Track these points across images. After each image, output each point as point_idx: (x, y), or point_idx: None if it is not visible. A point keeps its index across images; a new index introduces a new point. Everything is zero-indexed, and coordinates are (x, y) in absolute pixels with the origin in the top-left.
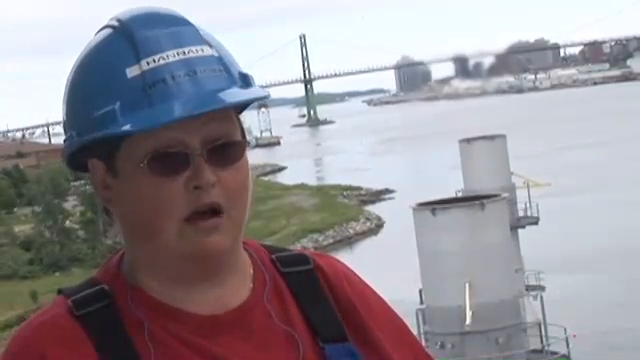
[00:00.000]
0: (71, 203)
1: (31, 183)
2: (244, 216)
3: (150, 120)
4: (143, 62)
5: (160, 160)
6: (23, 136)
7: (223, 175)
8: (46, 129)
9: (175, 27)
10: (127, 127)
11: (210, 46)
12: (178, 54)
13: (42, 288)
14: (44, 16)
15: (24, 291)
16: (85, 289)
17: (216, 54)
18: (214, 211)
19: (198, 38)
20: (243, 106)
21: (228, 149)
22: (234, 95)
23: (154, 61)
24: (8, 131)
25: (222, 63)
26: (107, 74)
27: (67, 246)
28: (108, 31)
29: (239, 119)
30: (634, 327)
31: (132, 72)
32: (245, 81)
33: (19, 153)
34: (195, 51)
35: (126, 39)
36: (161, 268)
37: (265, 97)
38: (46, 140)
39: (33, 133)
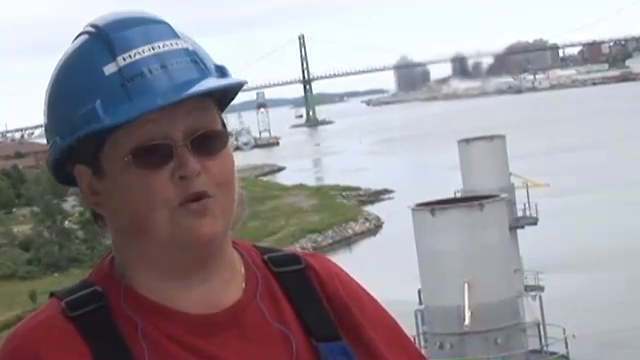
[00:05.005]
0: (70, 203)
1: (30, 183)
2: (232, 204)
3: (130, 112)
4: (119, 58)
5: (144, 154)
6: (22, 136)
7: (209, 164)
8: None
9: (148, 25)
10: (108, 121)
11: (184, 41)
12: (153, 48)
13: (41, 288)
14: (44, 16)
15: (23, 291)
16: (78, 291)
17: (190, 47)
18: (203, 197)
19: (172, 33)
20: (224, 98)
21: (211, 139)
22: (210, 83)
23: (130, 57)
24: (7, 131)
25: (197, 55)
26: (85, 75)
27: (66, 246)
28: (84, 36)
29: (219, 112)
30: (634, 327)
31: (109, 69)
32: (221, 72)
33: (18, 153)
34: (170, 44)
35: (101, 40)
36: (153, 263)
37: (241, 84)
38: (45, 140)
39: (32, 133)
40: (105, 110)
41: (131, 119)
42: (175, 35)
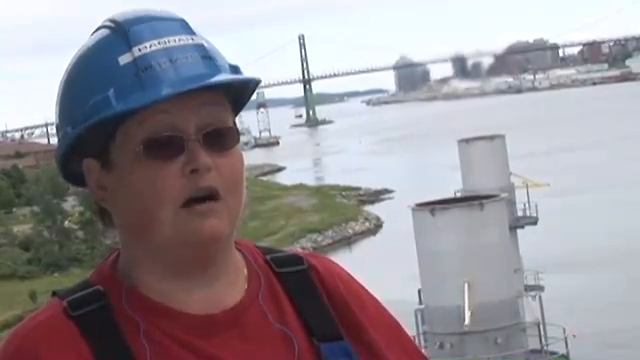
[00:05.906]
0: (70, 203)
1: (30, 183)
2: (240, 206)
3: (141, 100)
4: (135, 49)
5: (155, 145)
6: (22, 136)
7: (219, 161)
8: (45, 129)
9: (164, 21)
10: (119, 108)
11: (199, 38)
12: (169, 41)
13: (41, 288)
14: (44, 16)
15: (23, 291)
16: (80, 290)
17: (206, 44)
18: (211, 196)
19: (187, 30)
20: (239, 97)
21: (223, 135)
22: (220, 77)
23: (146, 47)
24: (7, 131)
25: (209, 52)
26: (101, 65)
27: (66, 246)
28: (101, 30)
29: (232, 112)
30: (633, 327)
31: (124, 59)
32: (235, 71)
33: (18, 153)
34: (185, 39)
35: (118, 33)
36: (158, 262)
37: (255, 80)
38: (45, 140)
39: (32, 133)
40: (118, 98)
41: (142, 106)
42: (190, 32)
